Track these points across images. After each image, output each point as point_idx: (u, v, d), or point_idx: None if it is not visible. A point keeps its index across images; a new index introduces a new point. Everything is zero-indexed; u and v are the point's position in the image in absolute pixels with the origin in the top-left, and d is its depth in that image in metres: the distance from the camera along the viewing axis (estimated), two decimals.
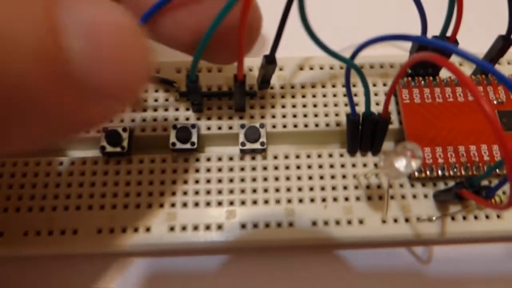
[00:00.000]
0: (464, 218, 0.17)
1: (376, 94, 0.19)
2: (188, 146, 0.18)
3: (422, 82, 0.19)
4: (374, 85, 0.20)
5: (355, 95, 0.19)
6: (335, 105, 0.19)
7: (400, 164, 0.14)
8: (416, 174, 0.17)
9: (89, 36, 0.09)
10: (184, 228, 0.17)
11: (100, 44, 0.10)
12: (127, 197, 0.17)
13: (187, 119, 0.19)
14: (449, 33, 0.17)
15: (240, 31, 0.13)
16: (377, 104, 0.19)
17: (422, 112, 0.18)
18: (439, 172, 0.17)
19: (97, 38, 0.09)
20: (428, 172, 0.17)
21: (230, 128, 0.18)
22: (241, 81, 0.16)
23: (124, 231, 0.17)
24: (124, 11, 0.10)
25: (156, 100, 0.19)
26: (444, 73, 0.19)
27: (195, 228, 0.17)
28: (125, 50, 0.10)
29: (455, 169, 0.17)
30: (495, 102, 0.18)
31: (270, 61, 0.16)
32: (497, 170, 0.16)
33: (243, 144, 0.18)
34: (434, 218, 0.17)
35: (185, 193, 0.17)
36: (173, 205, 0.17)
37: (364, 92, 0.16)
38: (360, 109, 0.17)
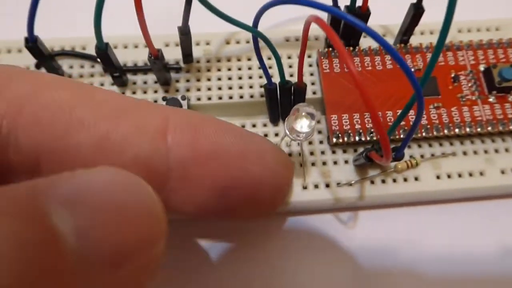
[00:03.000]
0: (383, 181, 0.18)
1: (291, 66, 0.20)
2: None
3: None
4: (289, 58, 0.20)
5: (270, 67, 0.19)
6: (261, 77, 0.19)
7: (301, 125, 0.14)
8: (335, 140, 0.18)
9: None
10: None
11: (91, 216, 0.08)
12: None
13: None
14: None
15: None
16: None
17: (341, 80, 0.19)
18: (356, 137, 0.18)
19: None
20: (345, 138, 0.18)
21: (155, 101, 0.19)
22: (156, 57, 0.16)
23: None
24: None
25: (81, 76, 0.19)
26: (364, 43, 0.20)
27: None
28: (121, 212, 0.09)
29: (371, 134, 0.18)
30: (413, 69, 0.19)
31: (183, 32, 0.16)
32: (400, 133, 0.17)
33: None
34: (353, 182, 0.18)
35: None
36: None
37: (275, 61, 0.16)
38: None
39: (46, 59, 0.17)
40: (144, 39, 0.15)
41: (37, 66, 0.19)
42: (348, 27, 0.18)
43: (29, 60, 0.19)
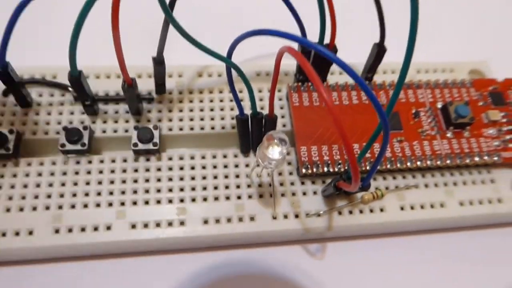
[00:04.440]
0: (351, 212, 0.18)
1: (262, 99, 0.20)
2: (78, 147, 0.17)
3: (311, 87, 0.20)
4: (260, 91, 0.21)
5: (242, 100, 0.20)
6: (232, 109, 0.20)
7: (273, 151, 0.14)
8: (304, 171, 0.18)
9: None
10: (70, 230, 0.16)
11: None
12: (10, 200, 0.17)
13: (82, 122, 0.19)
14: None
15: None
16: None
17: (310, 114, 0.19)
18: (325, 168, 0.18)
19: None
20: (314, 169, 0.18)
21: (126, 131, 0.19)
22: (130, 85, 0.17)
23: (4, 235, 0.16)
24: None
25: (50, 104, 0.19)
26: (332, 79, 0.21)
27: (83, 229, 0.17)
28: None
29: (339, 166, 0.18)
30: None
31: (158, 62, 0.17)
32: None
33: (135, 144, 0.18)
34: (321, 212, 0.18)
35: (74, 195, 0.17)
36: (60, 207, 0.17)
37: (248, 92, 0.17)
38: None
39: (15, 86, 0.17)
40: (119, 67, 0.15)
41: (5, 93, 0.18)
42: (316, 62, 0.19)
43: None
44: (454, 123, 0.20)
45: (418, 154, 0.19)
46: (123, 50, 0.15)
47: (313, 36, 0.18)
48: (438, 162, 0.19)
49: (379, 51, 0.19)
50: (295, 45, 0.15)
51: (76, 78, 0.16)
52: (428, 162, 0.19)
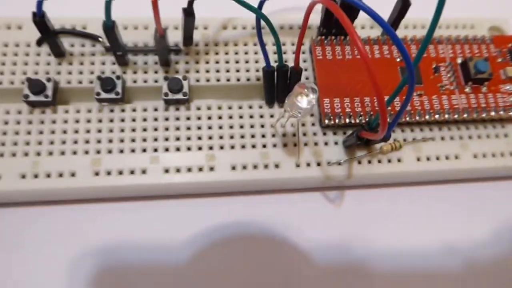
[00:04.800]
0: (369, 162, 0.19)
1: (294, 52, 0.21)
2: (113, 95, 0.18)
3: (334, 40, 0.20)
4: (293, 44, 0.21)
5: (274, 53, 0.20)
6: (256, 61, 0.20)
7: (301, 101, 0.15)
8: (326, 121, 0.19)
9: None
10: (108, 173, 0.18)
11: None
12: (52, 145, 0.18)
13: (113, 72, 0.19)
14: None
15: None
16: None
17: (333, 67, 0.20)
18: (347, 120, 0.19)
19: None
20: (337, 120, 0.19)
21: (156, 81, 0.19)
22: (161, 36, 0.17)
23: (48, 176, 0.17)
24: None
25: (82, 54, 0.19)
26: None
27: (120, 172, 0.18)
28: None
29: (360, 117, 0.19)
30: (398, 59, 0.20)
31: (188, 14, 0.17)
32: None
33: (166, 94, 0.19)
34: (342, 161, 0.19)
35: (110, 141, 0.18)
36: (98, 152, 0.18)
37: (276, 44, 0.17)
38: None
39: (50, 35, 0.18)
40: (154, 18, 0.16)
41: (39, 43, 0.19)
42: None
43: (28, 36, 0.19)
44: (473, 79, 0.20)
45: (436, 108, 0.20)
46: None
47: None
48: (456, 116, 0.20)
49: (403, 6, 0.19)
50: None
51: (110, 28, 0.17)
52: (446, 116, 0.20)
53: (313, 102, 0.15)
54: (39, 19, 0.16)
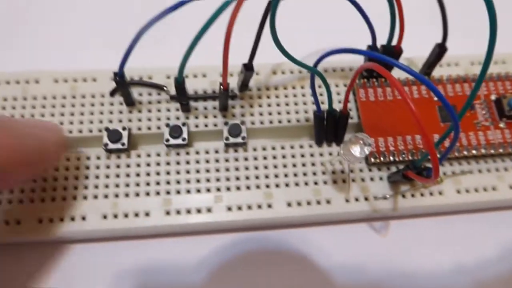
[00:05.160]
0: (413, 195, 0.21)
1: (338, 94, 0.23)
2: (180, 141, 0.20)
3: (376, 83, 0.22)
4: (337, 86, 0.23)
5: (321, 94, 0.22)
6: (304, 103, 0.22)
7: (356, 150, 0.17)
8: (372, 160, 0.21)
9: None
10: (178, 212, 0.20)
11: None
12: (128, 187, 0.20)
13: (177, 118, 0.21)
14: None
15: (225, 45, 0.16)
16: (339, 102, 0.22)
17: (375, 108, 0.22)
18: (391, 158, 0.21)
19: None
20: (382, 158, 0.21)
21: (215, 125, 0.21)
22: (226, 89, 0.19)
23: (126, 216, 0.19)
24: None
25: (149, 103, 0.22)
26: (394, 75, 0.23)
27: (188, 211, 0.20)
28: None
29: (403, 155, 0.21)
30: (435, 98, 0.22)
31: (248, 69, 0.19)
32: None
33: (227, 138, 0.21)
34: (388, 196, 0.21)
35: (178, 182, 0.20)
36: (168, 192, 0.20)
37: (326, 92, 0.19)
38: (325, 106, 0.21)
39: (124, 87, 0.20)
40: (222, 74, 0.18)
41: (112, 94, 0.21)
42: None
43: (102, 87, 0.22)
44: (507, 115, 0.22)
45: (473, 144, 0.21)
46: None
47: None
48: (492, 151, 0.21)
49: (440, 51, 0.21)
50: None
51: (181, 84, 0.19)
52: (483, 151, 0.21)
53: (366, 153, 0.17)
54: (120, 79, 0.19)
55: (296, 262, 0.21)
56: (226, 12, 0.15)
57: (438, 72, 0.23)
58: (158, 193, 0.20)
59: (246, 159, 0.21)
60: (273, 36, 0.16)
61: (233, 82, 0.22)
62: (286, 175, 0.21)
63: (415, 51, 0.23)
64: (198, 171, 0.20)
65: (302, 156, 0.21)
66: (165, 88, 0.22)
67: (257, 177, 0.21)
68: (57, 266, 0.20)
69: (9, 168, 0.15)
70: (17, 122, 0.17)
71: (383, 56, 0.15)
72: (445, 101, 0.15)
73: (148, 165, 0.20)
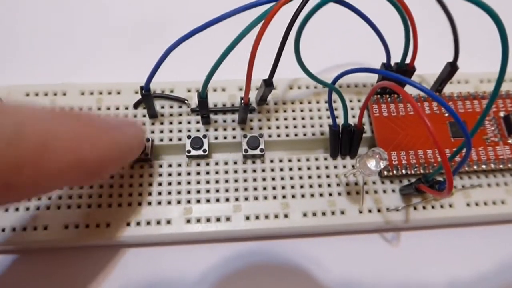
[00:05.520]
0: (424, 207, 0.22)
1: (352, 109, 0.24)
2: (201, 152, 0.21)
3: (389, 99, 0.23)
4: (351, 101, 0.24)
5: (336, 109, 0.23)
6: (319, 118, 0.23)
7: (372, 164, 0.18)
8: (385, 173, 0.22)
9: None
10: (198, 221, 0.20)
11: None
12: (150, 196, 0.21)
13: (198, 130, 0.22)
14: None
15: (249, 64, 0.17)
16: (354, 116, 0.23)
17: (389, 123, 0.22)
18: (403, 171, 0.22)
19: None
20: (394, 171, 0.22)
21: (234, 137, 0.22)
22: (246, 104, 0.20)
23: (148, 224, 0.20)
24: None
25: (171, 115, 0.23)
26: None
27: (208, 220, 0.21)
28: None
29: (415, 169, 0.22)
30: (446, 115, 0.23)
31: (268, 85, 0.20)
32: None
33: (246, 150, 0.21)
34: (400, 208, 0.21)
35: (198, 191, 0.21)
36: (189, 201, 0.21)
37: (342, 108, 0.20)
38: (340, 121, 0.21)
39: (148, 100, 0.21)
40: (244, 89, 0.19)
41: (136, 106, 0.22)
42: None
43: (127, 100, 0.23)
44: None
45: (483, 159, 0.22)
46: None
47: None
48: (501, 166, 0.22)
49: (451, 69, 0.22)
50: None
51: (204, 100, 0.20)
52: (492, 166, 0.22)
53: (382, 167, 0.17)
54: (146, 92, 0.20)
55: (310, 270, 0.21)
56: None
57: (448, 89, 0.24)
58: (179, 202, 0.21)
59: (263, 170, 0.22)
60: (297, 55, 0.17)
61: (252, 96, 0.23)
62: (302, 186, 0.22)
63: (427, 68, 0.24)
64: (217, 182, 0.21)
65: (318, 168, 0.22)
66: (186, 102, 0.23)
67: (274, 188, 0.21)
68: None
69: (106, 163, 0.16)
70: (106, 119, 0.17)
71: (397, 75, 0.16)
72: (458, 118, 0.15)
73: (170, 175, 0.21)
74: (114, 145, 0.16)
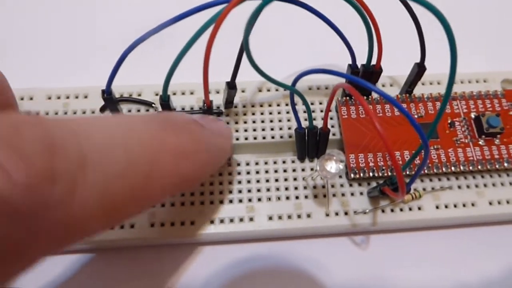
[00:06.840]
0: (392, 210, 0.21)
1: (321, 111, 0.23)
2: None
3: (357, 101, 0.23)
4: (320, 103, 0.24)
5: (304, 111, 0.23)
6: (288, 120, 0.23)
7: (329, 166, 0.18)
8: (352, 175, 0.21)
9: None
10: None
11: None
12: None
13: None
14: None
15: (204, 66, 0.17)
16: (322, 118, 0.23)
17: (357, 125, 0.22)
18: (370, 173, 0.21)
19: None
20: (361, 174, 0.21)
21: None
22: (209, 107, 0.20)
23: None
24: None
25: None
26: (375, 93, 0.23)
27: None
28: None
29: (383, 171, 0.21)
30: (416, 116, 0.23)
31: (231, 87, 0.20)
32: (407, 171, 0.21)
33: None
34: (367, 211, 0.21)
35: None
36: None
37: (307, 111, 0.20)
38: (307, 123, 0.21)
39: (113, 104, 0.21)
40: (204, 93, 0.19)
41: (102, 110, 0.22)
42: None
43: (94, 104, 0.23)
44: (486, 132, 0.22)
45: (452, 160, 0.22)
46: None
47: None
48: (471, 167, 0.22)
49: (419, 70, 0.22)
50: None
51: (167, 102, 0.20)
52: (462, 167, 0.22)
53: (340, 169, 0.17)
54: (107, 96, 0.20)
55: (276, 274, 0.21)
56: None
57: (420, 90, 0.24)
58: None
59: (229, 173, 0.22)
60: (248, 56, 0.17)
61: (220, 99, 0.23)
62: (268, 190, 0.21)
63: (400, 70, 0.24)
64: None
65: (285, 171, 0.22)
66: (153, 105, 0.23)
67: (239, 191, 0.21)
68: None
69: (202, 178, 0.16)
70: (207, 133, 0.16)
71: (349, 75, 0.16)
72: (413, 120, 0.15)
73: None
74: (211, 164, 0.16)
